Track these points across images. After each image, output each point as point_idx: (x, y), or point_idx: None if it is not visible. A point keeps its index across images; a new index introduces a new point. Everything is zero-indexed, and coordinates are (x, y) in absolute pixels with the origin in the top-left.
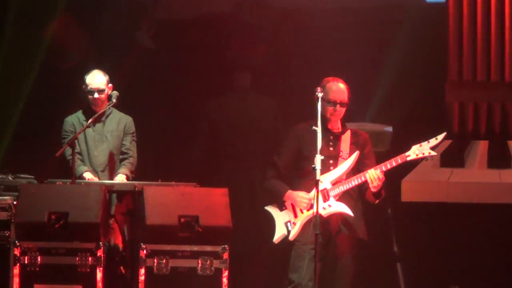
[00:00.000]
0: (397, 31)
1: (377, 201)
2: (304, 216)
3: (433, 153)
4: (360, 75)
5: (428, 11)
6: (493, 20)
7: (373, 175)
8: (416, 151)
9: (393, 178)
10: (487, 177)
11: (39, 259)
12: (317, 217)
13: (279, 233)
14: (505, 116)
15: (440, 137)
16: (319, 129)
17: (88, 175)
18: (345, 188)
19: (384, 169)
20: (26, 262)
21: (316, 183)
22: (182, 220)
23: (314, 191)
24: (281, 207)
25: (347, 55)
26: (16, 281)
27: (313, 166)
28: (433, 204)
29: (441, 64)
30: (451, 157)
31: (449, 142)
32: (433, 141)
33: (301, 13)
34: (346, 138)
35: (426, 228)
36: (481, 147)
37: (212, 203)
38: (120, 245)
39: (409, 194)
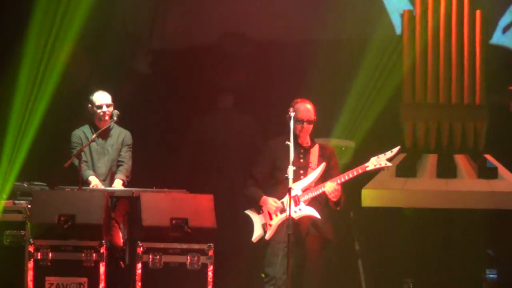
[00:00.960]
0: (360, 59)
1: (338, 208)
2: (278, 218)
3: (389, 164)
4: (328, 96)
5: (387, 42)
6: (441, 51)
7: (330, 188)
8: (374, 162)
9: (354, 186)
10: (436, 185)
11: (50, 255)
12: (289, 219)
13: (257, 233)
14: (451, 133)
15: (395, 150)
16: (291, 144)
17: (93, 179)
18: (314, 195)
19: (342, 180)
20: (39, 257)
21: (288, 190)
22: (173, 222)
23: (287, 197)
24: (259, 211)
25: (316, 79)
26: (30, 274)
27: (286, 175)
28: (389, 208)
29: (397, 88)
30: (405, 168)
31: (403, 155)
32: (389, 154)
33: (276, 44)
34: (315, 151)
35: (383, 229)
36: (430, 160)
37: (199, 207)
38: (120, 243)
39: (368, 200)
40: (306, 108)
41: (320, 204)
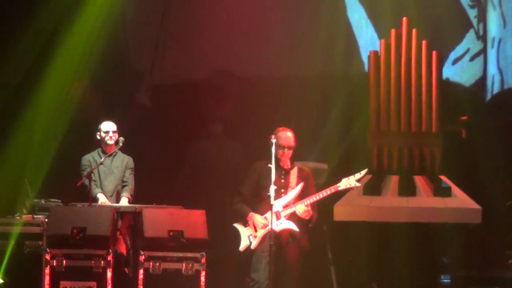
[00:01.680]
0: (335, 92)
1: (310, 225)
2: (262, 231)
3: (357, 184)
4: (306, 125)
5: (357, 78)
6: (403, 86)
7: (301, 209)
8: (345, 183)
9: (327, 202)
10: (398, 202)
11: (64, 262)
12: (271, 232)
13: (244, 243)
14: (411, 157)
15: (363, 172)
16: (273, 166)
17: (101, 196)
18: (293, 210)
19: (317, 198)
20: (54, 264)
21: (271, 206)
22: (171, 233)
23: (269, 212)
24: (245, 224)
25: (297, 110)
26: (47, 278)
27: (268, 193)
28: (357, 222)
29: (365, 118)
30: (371, 188)
31: (370, 176)
32: (358, 175)
33: (259, 80)
34: (294, 172)
35: (352, 240)
36: (393, 180)
37: (193, 221)
38: (125, 252)
39: (340, 215)
40: (286, 135)
41: (298, 218)
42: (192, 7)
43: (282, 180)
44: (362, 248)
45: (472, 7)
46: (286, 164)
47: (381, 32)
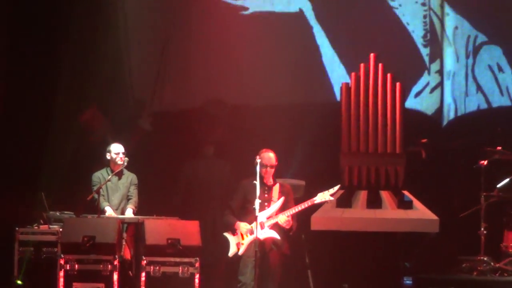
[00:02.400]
0: (312, 118)
1: (290, 233)
2: (248, 239)
3: (331, 198)
4: (287, 146)
5: (330, 107)
6: (370, 113)
7: (282, 219)
8: (320, 197)
9: (305, 214)
10: (366, 214)
11: (76, 266)
12: (256, 240)
13: (232, 250)
14: (378, 175)
15: (336, 188)
16: (257, 183)
17: (108, 209)
18: (275, 221)
19: (296, 211)
20: (68, 268)
21: (256, 217)
22: (169, 241)
23: (254, 223)
24: (234, 233)
25: (278, 134)
26: (61, 281)
27: (253, 206)
28: (331, 231)
29: (338, 140)
30: (343, 201)
31: (342, 191)
32: (331, 191)
33: (246, 107)
34: (276, 188)
35: (327, 246)
36: (362, 195)
37: (188, 230)
38: (129, 257)
39: (316, 225)
40: (269, 156)
41: (280, 228)
42: (188, 43)
43: (266, 195)
44: (335, 253)
45: (425, 46)
46: (269, 181)
47: (349, 68)
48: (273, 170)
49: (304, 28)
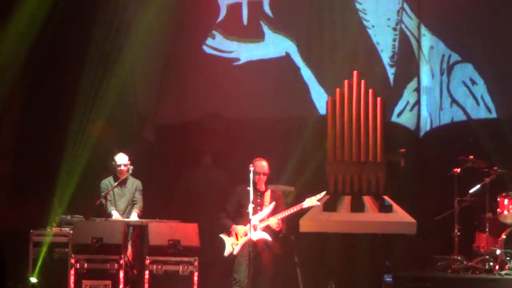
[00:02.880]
0: (299, 131)
1: (280, 235)
2: (243, 240)
3: (318, 203)
4: (277, 156)
5: (316, 120)
6: (354, 125)
7: (272, 221)
8: (308, 202)
9: (294, 217)
10: (350, 217)
11: (85, 265)
12: (250, 241)
13: (228, 250)
14: (360, 181)
15: (322, 194)
16: (251, 189)
17: (115, 213)
18: (267, 224)
19: (286, 215)
20: (78, 267)
21: (250, 220)
22: (170, 242)
23: (248, 225)
24: (229, 234)
25: (269, 144)
26: (72, 278)
27: (247, 210)
28: (318, 233)
29: (324, 151)
30: (329, 205)
31: (328, 196)
32: (318, 196)
33: (241, 120)
34: (268, 194)
35: (314, 247)
36: (346, 200)
37: (187, 232)
38: (133, 257)
39: (304, 227)
40: (262, 164)
41: (272, 230)
42: (187, 63)
43: (258, 200)
44: (322, 253)
45: (391, 66)
46: (262, 187)
47: (326, 87)
48: (265, 177)
49: (290, 67)
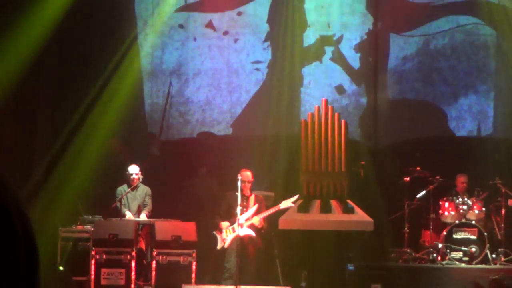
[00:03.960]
0: (280, 146)
1: (262, 231)
2: (231, 236)
3: (292, 205)
4: (261, 167)
5: (294, 138)
6: (323, 143)
7: (255, 219)
8: (284, 204)
9: (274, 217)
10: (320, 217)
11: (104, 256)
12: (237, 237)
13: (219, 244)
14: (328, 188)
15: (295, 197)
16: (239, 194)
17: (128, 214)
18: (251, 222)
19: (265, 215)
20: (98, 258)
21: (237, 220)
22: (173, 237)
23: (236, 224)
24: (220, 231)
25: (255, 157)
26: (92, 267)
27: (235, 211)
28: (294, 230)
29: (298, 162)
30: (303, 207)
31: (301, 200)
32: (292, 199)
33: (231, 137)
34: (252, 198)
35: (291, 241)
36: (317, 203)
37: (187, 229)
38: (143, 249)
39: (282, 225)
40: (247, 174)
41: (256, 227)
42: (186, 92)
43: (244, 203)
44: (297, 247)
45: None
46: (247, 192)
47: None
48: (250, 184)
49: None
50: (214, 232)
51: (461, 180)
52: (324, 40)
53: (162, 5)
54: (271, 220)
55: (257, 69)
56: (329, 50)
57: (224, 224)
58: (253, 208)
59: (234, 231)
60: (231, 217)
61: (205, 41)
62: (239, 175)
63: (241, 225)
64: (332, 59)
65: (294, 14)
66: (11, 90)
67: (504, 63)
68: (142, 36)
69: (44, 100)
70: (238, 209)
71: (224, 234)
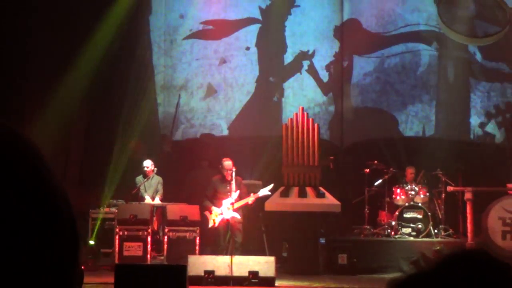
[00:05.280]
0: (267, 145)
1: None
2: (219, 218)
3: (269, 193)
4: (251, 160)
5: (276, 139)
6: (300, 142)
7: (250, 200)
8: (262, 192)
9: (262, 201)
10: (298, 201)
11: (126, 233)
12: (224, 219)
13: (210, 223)
14: (304, 178)
15: (271, 186)
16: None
17: (147, 198)
18: (237, 206)
19: (247, 201)
20: (121, 234)
21: (222, 203)
22: (181, 217)
23: (223, 206)
24: (210, 212)
25: (247, 154)
26: (117, 241)
27: (220, 195)
28: (278, 211)
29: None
30: (284, 193)
31: (283, 187)
32: (268, 187)
33: (227, 138)
34: (233, 182)
35: (274, 218)
36: (295, 189)
37: (192, 211)
38: (157, 227)
39: (268, 207)
40: (229, 163)
41: (241, 210)
42: (191, 102)
43: (227, 187)
44: (280, 224)
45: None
46: (229, 177)
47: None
48: (231, 172)
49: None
50: (205, 213)
51: (410, 172)
52: (301, 56)
53: (173, 34)
54: (258, 203)
55: (248, 83)
56: (305, 63)
57: (214, 209)
58: (235, 194)
59: (221, 214)
60: (217, 200)
61: (207, 61)
62: (220, 164)
63: (228, 208)
64: (307, 71)
65: (276, 40)
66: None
67: (443, 78)
68: (156, 57)
69: (78, 111)
70: (227, 201)
71: (213, 215)
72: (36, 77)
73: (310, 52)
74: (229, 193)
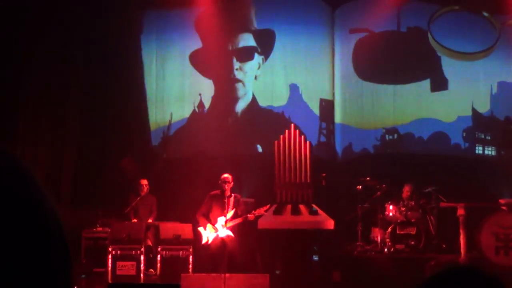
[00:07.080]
0: (258, 163)
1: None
2: (213, 235)
3: (264, 213)
4: (243, 178)
5: (268, 157)
6: (292, 159)
7: (250, 218)
8: (258, 212)
9: (255, 219)
10: (291, 219)
11: (119, 252)
12: (218, 237)
13: (204, 240)
14: (297, 195)
15: (267, 207)
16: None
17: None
18: (232, 224)
19: (241, 220)
20: (113, 253)
21: (217, 220)
22: (174, 236)
23: (218, 224)
24: (205, 229)
25: (239, 171)
26: (110, 260)
27: (216, 212)
28: (271, 229)
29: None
30: (277, 211)
31: (276, 205)
32: (264, 208)
33: (219, 156)
34: (231, 198)
35: (268, 236)
36: (288, 207)
37: (185, 229)
38: (151, 245)
39: (262, 225)
40: (228, 177)
41: (233, 228)
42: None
43: (224, 204)
44: (273, 242)
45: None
46: (227, 193)
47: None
48: (230, 185)
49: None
50: (199, 229)
51: (407, 189)
52: (291, 87)
53: (165, 58)
54: (252, 222)
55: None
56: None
57: (209, 225)
58: (230, 213)
59: (216, 231)
60: (212, 216)
61: (197, 79)
62: (220, 179)
63: (222, 226)
64: (298, 97)
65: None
66: None
67: None
68: (148, 74)
69: (71, 124)
70: (222, 219)
71: (207, 231)
72: (29, 97)
73: (300, 88)
74: (225, 210)
